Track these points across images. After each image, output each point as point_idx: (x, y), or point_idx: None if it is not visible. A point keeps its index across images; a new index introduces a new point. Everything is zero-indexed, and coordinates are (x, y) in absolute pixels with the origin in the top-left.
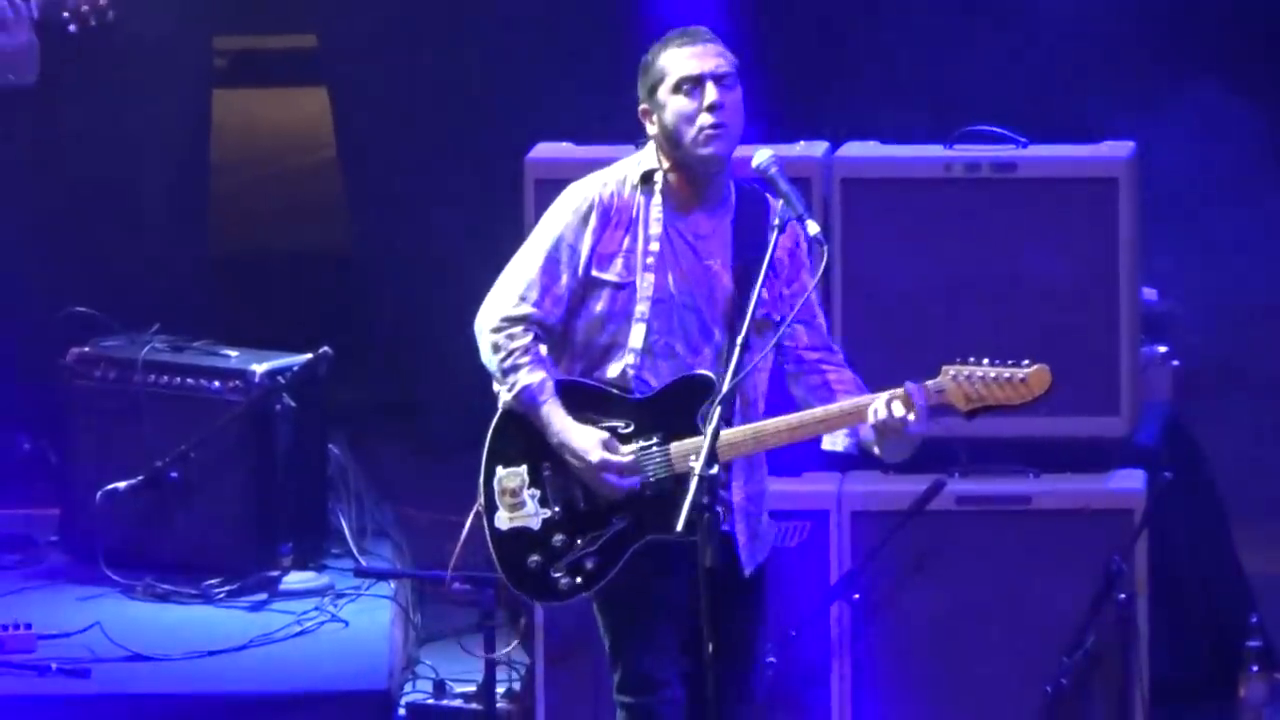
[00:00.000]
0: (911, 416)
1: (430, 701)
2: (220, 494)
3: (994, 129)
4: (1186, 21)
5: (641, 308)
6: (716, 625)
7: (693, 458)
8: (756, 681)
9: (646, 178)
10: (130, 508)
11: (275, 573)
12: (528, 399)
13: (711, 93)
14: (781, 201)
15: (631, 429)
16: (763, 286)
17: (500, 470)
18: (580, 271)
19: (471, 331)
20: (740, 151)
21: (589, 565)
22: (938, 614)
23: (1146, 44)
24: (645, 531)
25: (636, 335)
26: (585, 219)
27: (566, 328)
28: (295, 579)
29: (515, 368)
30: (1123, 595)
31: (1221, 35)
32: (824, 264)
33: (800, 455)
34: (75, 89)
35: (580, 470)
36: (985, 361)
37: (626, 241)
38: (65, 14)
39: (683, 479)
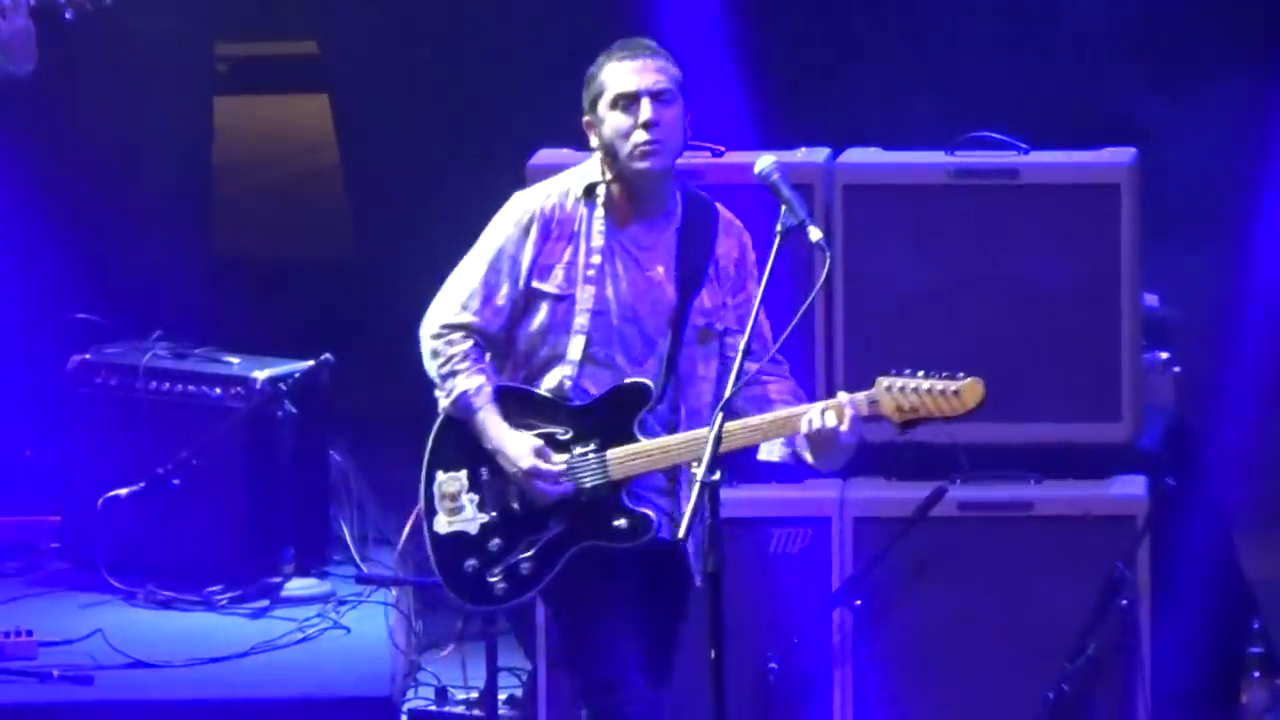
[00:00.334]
0: (844, 426)
1: (432, 708)
2: (222, 501)
3: (996, 135)
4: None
5: (580, 320)
6: (719, 632)
7: (625, 461)
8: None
9: (590, 190)
10: (132, 515)
11: (277, 579)
12: (464, 404)
13: (646, 110)
14: (784, 208)
15: (570, 435)
16: (706, 295)
17: (440, 475)
18: (520, 282)
19: None
20: (742, 158)
21: (524, 570)
22: (940, 620)
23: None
24: (581, 537)
25: (575, 347)
26: (526, 231)
27: (510, 337)
28: (297, 586)
29: (453, 373)
30: (1125, 601)
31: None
32: (826, 271)
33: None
34: (77, 95)
35: (513, 476)
36: (920, 373)
37: (568, 253)
38: (61, 1)
39: (618, 485)
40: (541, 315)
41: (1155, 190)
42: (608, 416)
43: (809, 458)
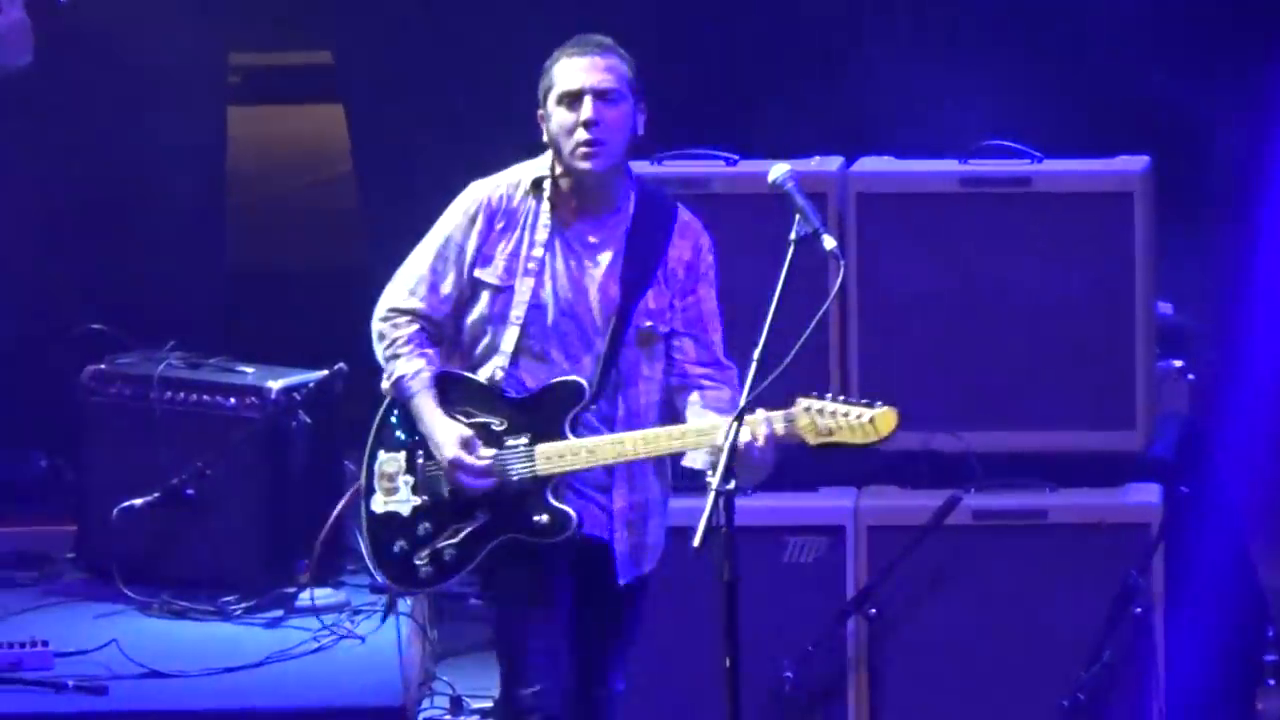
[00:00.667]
0: (759, 443)
1: (447, 717)
2: (236, 510)
3: (1009, 144)
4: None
5: (516, 312)
6: (735, 636)
7: (552, 459)
8: (608, 698)
9: (537, 183)
10: (146, 524)
11: (291, 589)
12: (401, 387)
13: (588, 109)
14: (798, 217)
15: (505, 427)
16: (651, 297)
17: (381, 454)
18: (465, 271)
19: None
20: (755, 166)
21: (447, 557)
22: (954, 629)
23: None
24: (504, 529)
25: (509, 339)
26: (473, 220)
27: (458, 326)
28: (311, 595)
29: (395, 356)
30: (1139, 609)
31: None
32: (840, 279)
33: (816, 470)
34: (92, 104)
35: (440, 463)
36: (840, 398)
37: (511, 245)
38: None
39: (544, 481)
40: (482, 305)
41: (1169, 197)
42: (541, 412)
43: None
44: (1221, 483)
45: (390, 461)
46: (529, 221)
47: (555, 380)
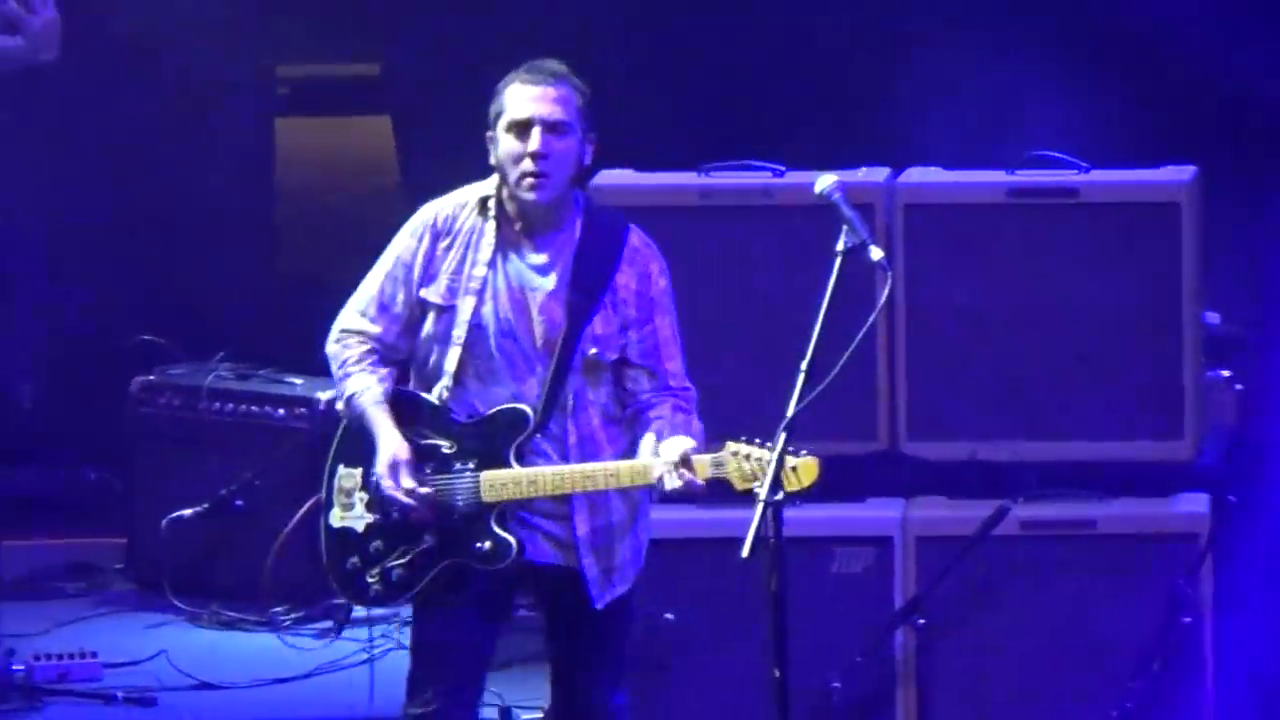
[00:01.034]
0: (684, 487)
1: None
2: (285, 521)
3: (1055, 154)
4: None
5: (458, 331)
6: (784, 647)
7: (496, 486)
8: (613, 699)
9: (484, 204)
10: (196, 535)
11: (341, 600)
12: (351, 405)
13: (536, 140)
14: (845, 228)
15: (454, 451)
16: (599, 322)
17: (341, 469)
18: (414, 291)
19: None
20: (803, 178)
21: (394, 577)
22: (1002, 638)
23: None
24: (450, 554)
25: (452, 359)
26: (420, 239)
27: (412, 347)
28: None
29: (345, 376)
30: (1188, 618)
31: None
32: (888, 290)
33: (864, 481)
34: (140, 118)
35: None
36: (768, 445)
37: (455, 264)
38: None
39: (489, 508)
40: (429, 325)
41: (1214, 206)
42: (487, 439)
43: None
44: (1270, 492)
45: (348, 477)
46: (474, 240)
47: (499, 408)
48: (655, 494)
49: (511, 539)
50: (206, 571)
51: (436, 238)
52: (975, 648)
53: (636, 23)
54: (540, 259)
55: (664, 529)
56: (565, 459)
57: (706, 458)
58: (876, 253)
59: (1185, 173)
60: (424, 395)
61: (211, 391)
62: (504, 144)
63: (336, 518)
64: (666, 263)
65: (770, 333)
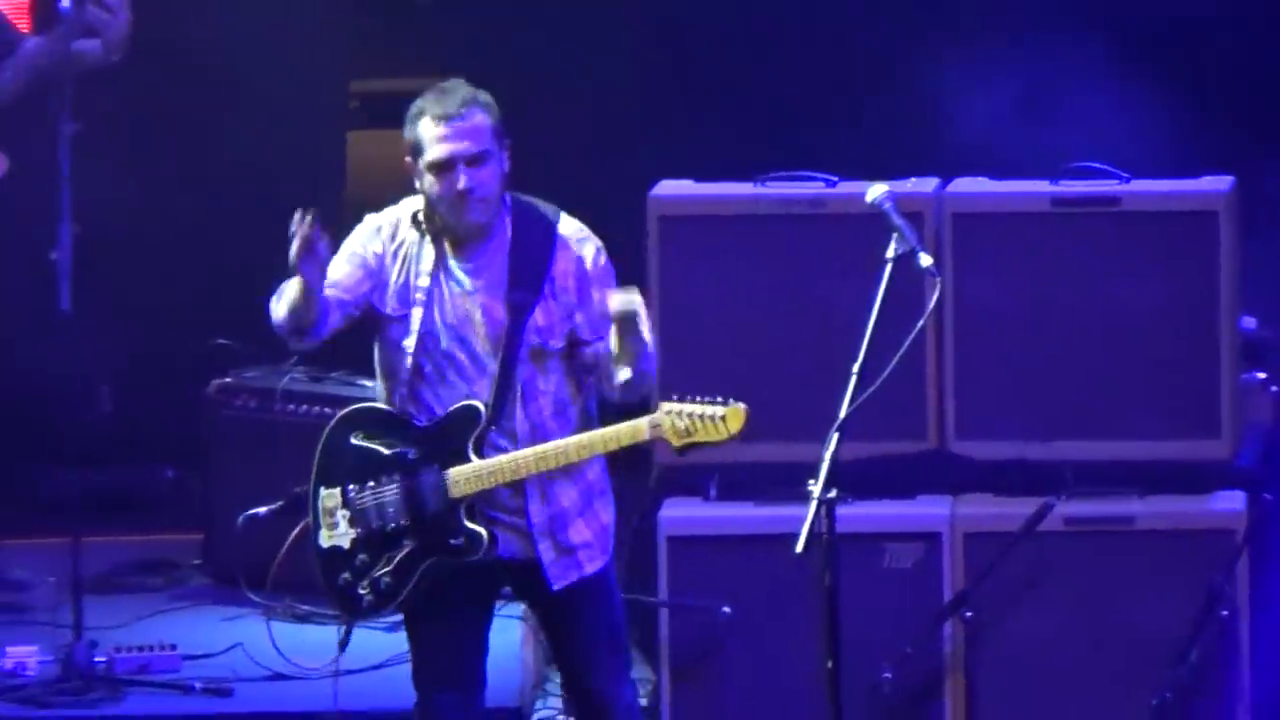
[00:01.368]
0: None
1: (560, 717)
2: None
3: (1098, 165)
4: None
5: (409, 341)
6: (836, 639)
7: (461, 482)
8: (611, 686)
9: (416, 219)
10: (270, 532)
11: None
12: (279, 294)
13: (463, 180)
14: (895, 235)
15: (420, 455)
16: (540, 314)
17: (323, 490)
18: (369, 278)
19: None
20: (854, 187)
21: (383, 585)
22: (1046, 631)
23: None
24: (429, 554)
25: (407, 366)
26: (374, 239)
27: (355, 302)
28: None
29: (280, 295)
30: (1225, 612)
31: None
32: (936, 295)
33: (914, 478)
34: (217, 129)
35: (294, 256)
36: (696, 398)
37: (401, 277)
38: None
39: (457, 504)
40: (383, 335)
41: (1250, 213)
42: (446, 438)
43: None
44: None
45: (330, 497)
46: (414, 253)
47: (454, 406)
48: (615, 390)
49: (482, 530)
50: (281, 566)
51: (384, 246)
52: (1020, 639)
53: (698, 43)
54: (475, 263)
55: (721, 526)
56: (519, 448)
57: (643, 421)
58: (925, 260)
59: (1223, 183)
60: (383, 407)
61: (286, 393)
62: (427, 182)
63: (325, 538)
64: (602, 243)
65: (823, 337)
